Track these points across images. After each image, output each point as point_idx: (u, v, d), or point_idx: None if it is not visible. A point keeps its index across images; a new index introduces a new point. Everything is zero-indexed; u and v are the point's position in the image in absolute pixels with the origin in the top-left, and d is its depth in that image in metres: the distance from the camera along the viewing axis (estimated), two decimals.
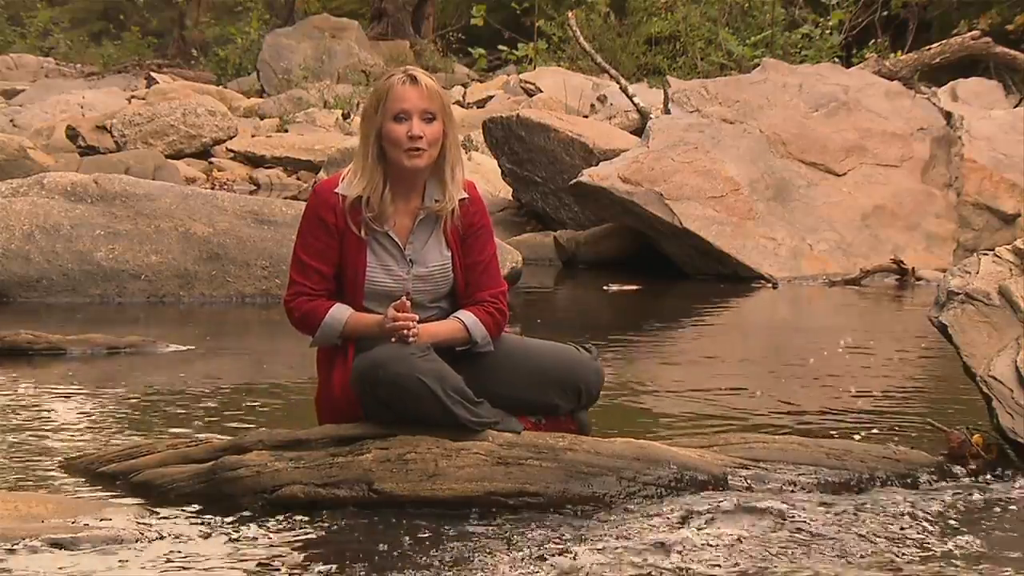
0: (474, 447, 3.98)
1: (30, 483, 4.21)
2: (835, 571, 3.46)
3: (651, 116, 12.10)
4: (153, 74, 24.89)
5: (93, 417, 5.24)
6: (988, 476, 4.27)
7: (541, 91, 18.24)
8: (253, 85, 23.91)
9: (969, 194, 10.92)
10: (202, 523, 3.81)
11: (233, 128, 17.54)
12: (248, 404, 5.47)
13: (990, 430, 4.43)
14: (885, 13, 20.50)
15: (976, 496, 4.10)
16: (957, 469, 4.30)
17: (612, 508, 3.91)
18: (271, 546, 3.65)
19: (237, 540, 3.68)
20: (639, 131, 12.38)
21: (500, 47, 23.74)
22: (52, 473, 4.34)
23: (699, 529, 3.73)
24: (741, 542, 3.64)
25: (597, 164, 10.63)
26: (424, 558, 3.52)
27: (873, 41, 19.87)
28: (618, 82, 14.95)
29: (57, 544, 3.54)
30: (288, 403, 5.54)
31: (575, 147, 11.26)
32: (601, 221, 10.88)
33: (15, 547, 3.51)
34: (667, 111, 11.38)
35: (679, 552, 3.56)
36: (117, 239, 8.14)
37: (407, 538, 3.66)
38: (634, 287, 9.50)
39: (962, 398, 5.40)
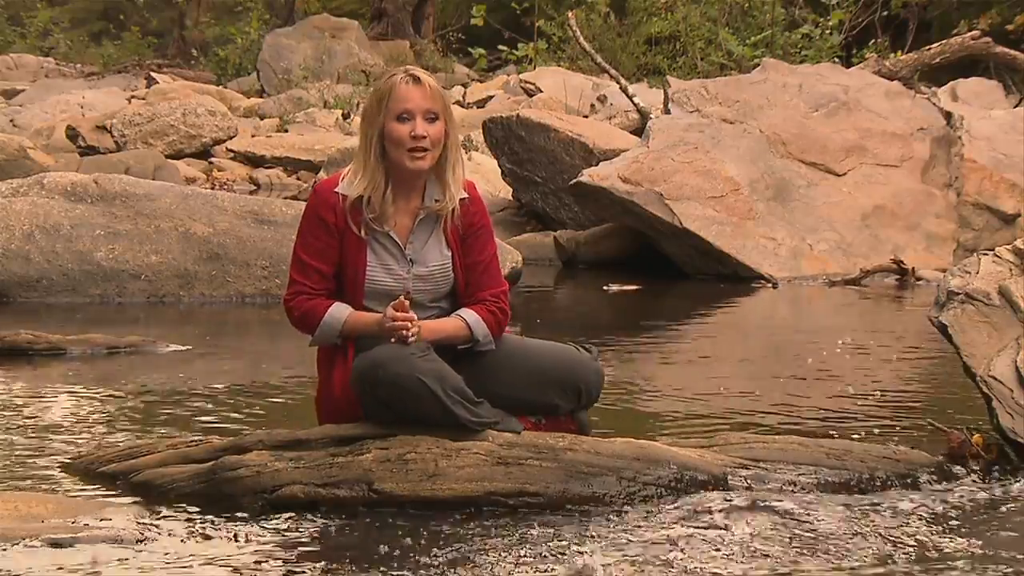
0: (474, 447, 3.98)
1: (30, 483, 4.21)
2: (835, 571, 3.47)
3: (651, 116, 12.09)
4: (153, 74, 24.88)
5: (93, 417, 5.24)
6: (988, 476, 4.27)
7: (541, 91, 18.23)
8: (253, 85, 23.90)
9: (969, 194, 10.91)
10: (202, 523, 3.81)
11: (233, 128, 17.53)
12: (248, 404, 5.47)
13: (990, 430, 4.43)
14: (885, 13, 20.49)
15: (976, 496, 4.10)
16: (957, 469, 4.31)
17: (612, 508, 3.91)
18: (271, 546, 3.65)
19: (237, 540, 3.68)
20: (639, 131, 12.37)
21: (500, 47, 23.73)
22: (52, 473, 4.34)
23: (699, 529, 3.73)
24: (741, 542, 3.64)
25: (597, 164, 10.62)
26: (424, 558, 3.52)
27: (873, 41, 19.86)
28: (618, 82, 14.94)
29: (57, 544, 3.54)
30: (288, 403, 5.53)
31: (575, 147, 11.25)
32: (601, 221, 10.88)
33: (15, 547, 3.51)
34: (667, 111, 11.38)
35: (679, 552, 3.56)
36: (117, 239, 8.14)
37: (407, 538, 3.66)
38: (634, 287, 9.49)
39: (962, 398, 5.40)
